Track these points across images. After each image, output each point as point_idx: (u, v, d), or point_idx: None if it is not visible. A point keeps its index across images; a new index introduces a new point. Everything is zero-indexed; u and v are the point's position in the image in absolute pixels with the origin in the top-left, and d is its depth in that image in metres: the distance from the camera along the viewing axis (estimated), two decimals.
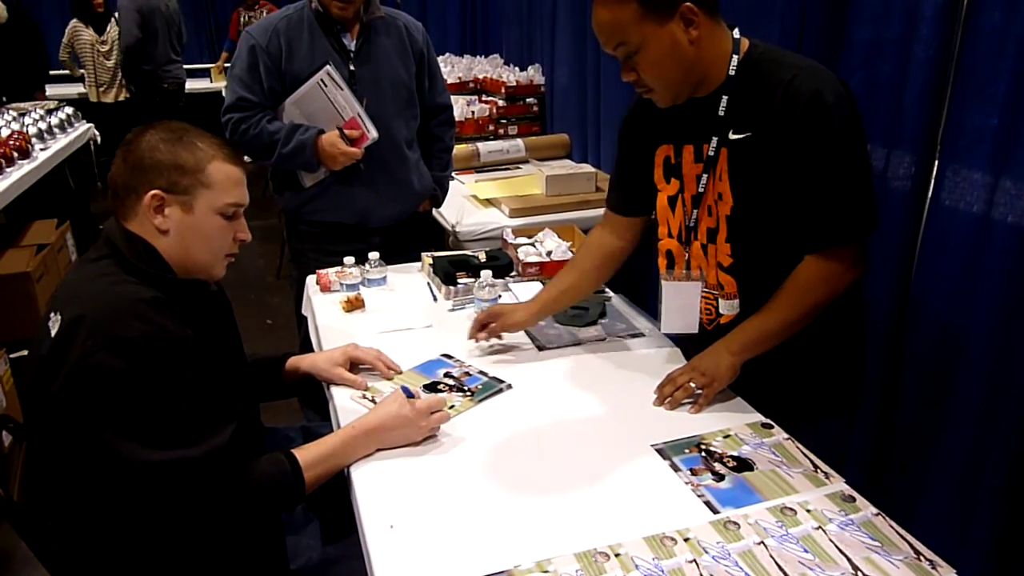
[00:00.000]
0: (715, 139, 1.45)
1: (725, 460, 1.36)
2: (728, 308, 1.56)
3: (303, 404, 2.46)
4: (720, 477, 1.32)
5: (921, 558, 1.15)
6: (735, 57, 1.42)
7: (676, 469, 1.34)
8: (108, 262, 1.27)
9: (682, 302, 1.57)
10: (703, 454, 1.38)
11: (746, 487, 1.30)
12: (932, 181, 1.76)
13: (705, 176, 1.49)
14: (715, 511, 1.24)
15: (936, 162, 1.76)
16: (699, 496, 1.27)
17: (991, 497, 1.69)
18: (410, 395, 1.42)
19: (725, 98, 1.43)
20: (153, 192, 1.26)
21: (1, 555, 2.33)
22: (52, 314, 1.21)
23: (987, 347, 1.65)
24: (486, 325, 1.73)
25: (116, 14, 5.92)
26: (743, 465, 1.35)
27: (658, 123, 1.55)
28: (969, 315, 1.69)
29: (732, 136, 1.44)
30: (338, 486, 1.37)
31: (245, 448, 1.24)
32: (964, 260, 1.69)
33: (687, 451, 1.39)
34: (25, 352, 3.54)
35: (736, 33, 1.44)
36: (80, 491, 1.22)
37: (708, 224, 1.53)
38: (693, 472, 1.33)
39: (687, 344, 1.73)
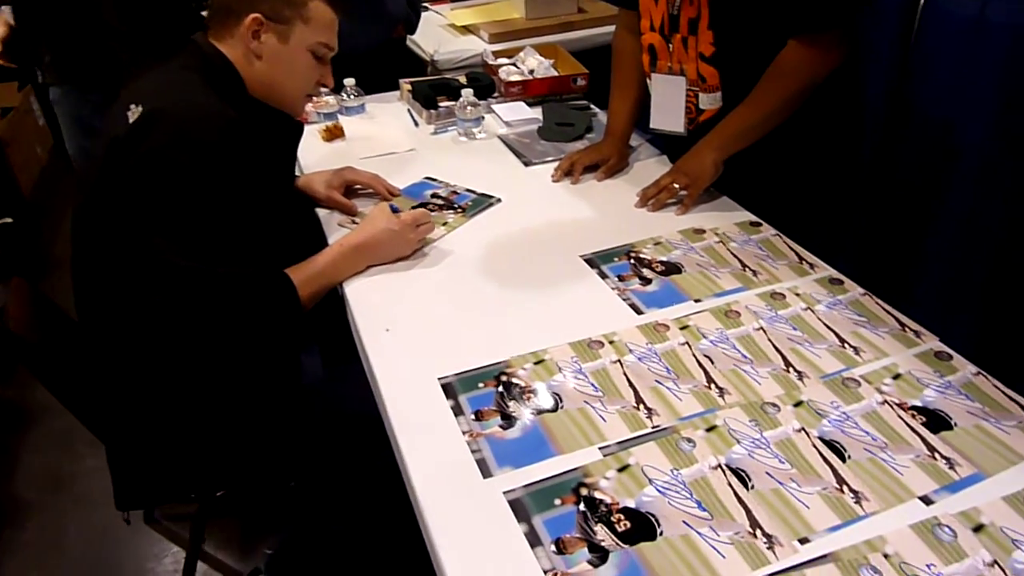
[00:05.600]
0: None
1: (653, 265, 1.36)
2: (709, 102, 1.53)
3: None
4: (647, 281, 1.32)
5: (906, 329, 1.18)
6: None
7: (604, 276, 1.34)
8: (195, 76, 1.28)
9: (669, 98, 1.54)
10: (631, 261, 1.38)
11: (673, 289, 1.30)
12: None
13: None
14: (639, 312, 1.25)
15: None
16: (625, 300, 1.28)
17: (976, 290, 1.72)
18: (395, 210, 1.41)
19: None
20: (255, 15, 1.29)
21: (14, 410, 2.39)
22: (132, 105, 1.22)
23: (980, 145, 1.63)
24: (570, 171, 1.66)
25: None
26: (671, 269, 1.35)
27: None
28: (962, 113, 1.66)
29: None
30: (335, 312, 1.38)
31: (259, 280, 1.25)
32: (957, 60, 1.64)
33: (616, 259, 1.39)
34: (8, 220, 3.51)
35: None
36: (112, 286, 1.24)
37: (689, 14, 1.47)
38: (621, 278, 1.33)
39: (672, 152, 1.70)
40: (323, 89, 1.98)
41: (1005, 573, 0.80)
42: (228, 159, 1.20)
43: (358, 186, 1.64)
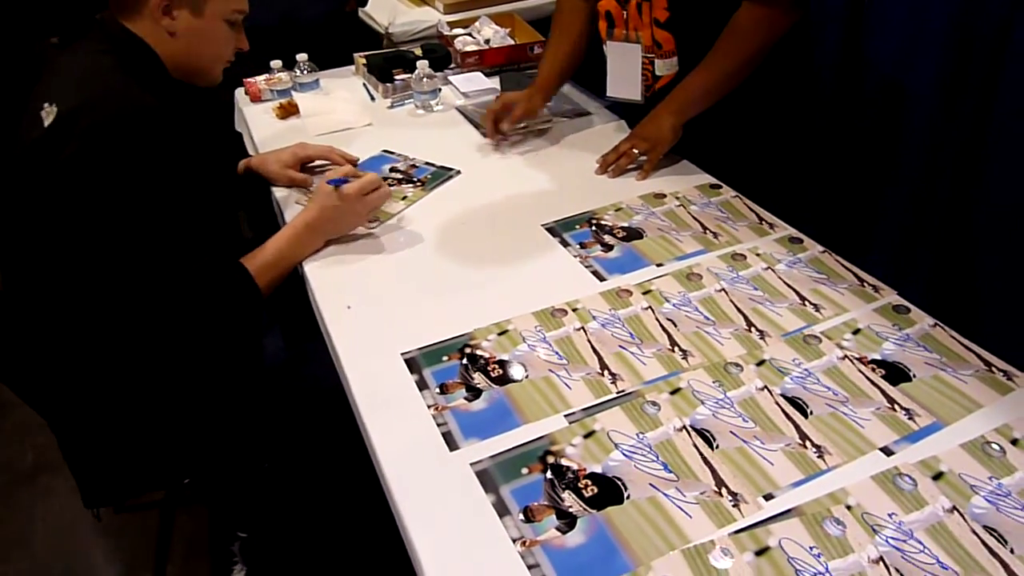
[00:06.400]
0: None
1: (615, 231, 1.36)
2: (665, 68, 1.51)
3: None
4: (609, 248, 1.32)
5: (865, 284, 1.19)
6: None
7: (566, 244, 1.33)
8: (109, 59, 1.20)
9: (625, 66, 1.52)
10: (592, 228, 1.37)
11: (634, 254, 1.30)
12: None
13: None
14: (602, 279, 1.24)
15: None
16: (587, 267, 1.27)
17: (931, 239, 1.75)
18: (342, 182, 1.36)
19: None
20: None
21: None
22: (46, 104, 1.14)
23: (930, 100, 1.65)
24: (498, 121, 1.64)
25: None
26: (632, 235, 1.35)
27: None
28: (913, 69, 1.67)
29: None
30: (295, 292, 1.36)
31: (213, 275, 1.21)
32: (909, 14, 1.65)
33: (577, 227, 1.38)
34: None
35: None
36: (55, 291, 1.20)
37: None
38: (583, 245, 1.32)
39: (630, 117, 1.69)
40: (274, 64, 1.95)
41: (964, 518, 0.82)
42: (153, 153, 1.13)
43: (315, 162, 1.61)
